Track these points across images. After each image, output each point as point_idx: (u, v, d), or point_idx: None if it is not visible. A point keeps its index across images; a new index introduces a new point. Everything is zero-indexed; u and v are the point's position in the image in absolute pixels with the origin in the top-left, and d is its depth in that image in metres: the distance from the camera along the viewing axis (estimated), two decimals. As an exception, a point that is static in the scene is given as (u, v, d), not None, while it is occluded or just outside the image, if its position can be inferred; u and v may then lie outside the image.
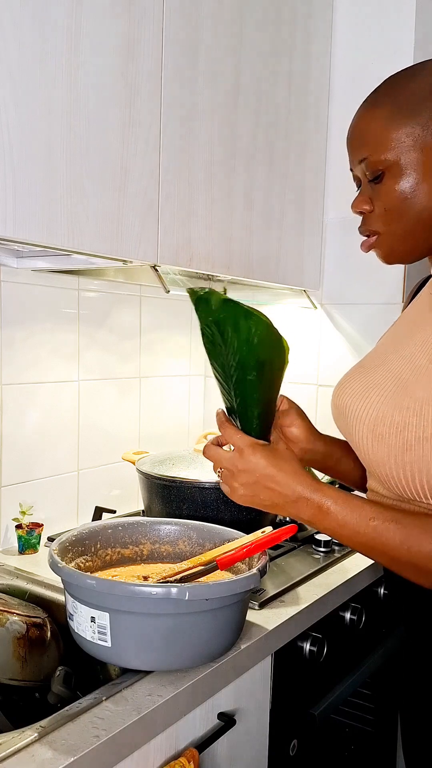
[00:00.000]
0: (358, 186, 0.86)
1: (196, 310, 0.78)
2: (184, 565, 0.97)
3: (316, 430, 0.99)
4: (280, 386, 0.83)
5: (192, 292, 0.77)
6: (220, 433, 0.85)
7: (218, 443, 0.86)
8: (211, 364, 0.83)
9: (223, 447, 0.85)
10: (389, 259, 0.86)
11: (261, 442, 0.81)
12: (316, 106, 1.60)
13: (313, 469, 1.06)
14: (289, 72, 1.48)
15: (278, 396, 0.86)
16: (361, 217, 0.87)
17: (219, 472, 0.83)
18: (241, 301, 0.76)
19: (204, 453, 0.85)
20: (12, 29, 0.88)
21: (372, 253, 0.88)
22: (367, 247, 0.86)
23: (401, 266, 1.56)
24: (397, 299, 1.57)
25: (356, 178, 0.86)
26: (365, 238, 0.87)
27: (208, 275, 1.43)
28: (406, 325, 0.87)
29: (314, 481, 0.78)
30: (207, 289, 0.76)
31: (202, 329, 0.80)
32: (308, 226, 1.62)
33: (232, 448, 0.82)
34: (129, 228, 1.10)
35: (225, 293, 0.77)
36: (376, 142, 0.80)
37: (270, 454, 0.79)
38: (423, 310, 0.85)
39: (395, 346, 0.84)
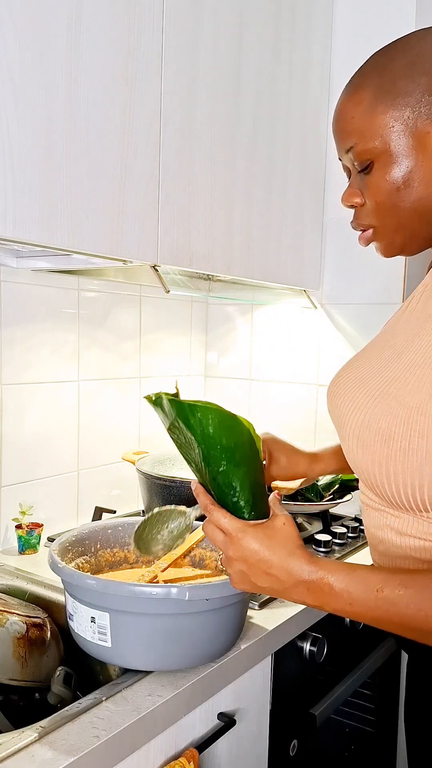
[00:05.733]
0: (348, 176, 0.80)
1: (159, 416, 0.78)
2: (161, 564, 0.97)
3: (304, 456, 1.01)
4: (260, 463, 0.77)
5: (149, 400, 0.77)
6: None
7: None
8: (189, 465, 0.80)
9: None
10: (388, 252, 0.80)
11: (251, 523, 0.74)
12: (317, 104, 1.60)
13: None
14: (290, 69, 1.48)
15: (262, 473, 0.79)
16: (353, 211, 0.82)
17: (220, 556, 0.78)
18: (185, 399, 0.74)
19: (203, 529, 0.79)
20: (12, 29, 0.88)
21: (372, 252, 0.85)
22: (365, 242, 0.80)
23: (401, 266, 1.56)
24: (397, 299, 1.57)
25: (345, 168, 0.80)
26: (360, 232, 0.81)
27: (208, 275, 1.43)
28: (406, 316, 0.81)
29: (313, 559, 0.70)
30: (156, 394, 0.75)
31: (169, 435, 0.78)
32: (308, 226, 1.62)
33: None
34: (129, 228, 1.10)
35: (176, 388, 0.76)
36: (362, 129, 0.73)
37: (263, 536, 0.72)
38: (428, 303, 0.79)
39: (393, 338, 0.79)
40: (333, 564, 0.69)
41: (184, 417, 0.73)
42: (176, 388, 0.77)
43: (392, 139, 0.71)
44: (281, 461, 1.02)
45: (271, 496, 0.78)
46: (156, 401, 0.76)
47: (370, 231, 0.79)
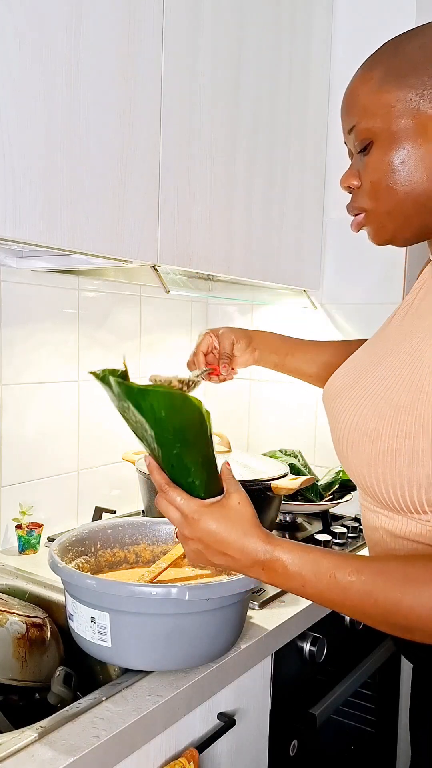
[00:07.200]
0: (351, 159, 0.79)
1: (107, 393, 0.76)
2: (161, 564, 0.97)
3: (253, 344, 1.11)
4: (210, 438, 0.75)
5: (96, 376, 0.74)
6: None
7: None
8: (141, 442, 0.79)
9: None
10: (379, 238, 0.78)
11: (207, 503, 0.74)
12: (317, 104, 1.60)
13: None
14: (290, 69, 1.48)
15: (212, 447, 0.77)
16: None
17: (175, 531, 0.78)
18: (133, 382, 0.72)
19: (156, 505, 0.78)
20: (12, 29, 0.88)
21: (372, 252, 0.85)
22: (356, 226, 0.79)
23: (401, 266, 1.55)
24: (397, 299, 1.57)
25: (349, 152, 0.79)
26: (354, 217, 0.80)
27: (208, 275, 1.43)
28: (400, 314, 0.81)
29: (268, 539, 0.70)
30: (103, 372, 0.73)
31: (119, 412, 0.77)
32: (308, 226, 1.62)
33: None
34: (129, 228, 1.10)
35: (125, 364, 0.74)
36: (365, 106, 0.73)
37: (219, 516, 0.72)
38: (425, 300, 0.78)
39: (386, 338, 0.79)
40: (288, 544, 0.69)
41: (135, 401, 0.72)
42: (124, 365, 0.75)
43: (393, 119, 0.71)
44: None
45: (222, 467, 0.77)
46: (103, 378, 0.74)
47: (362, 215, 0.77)
